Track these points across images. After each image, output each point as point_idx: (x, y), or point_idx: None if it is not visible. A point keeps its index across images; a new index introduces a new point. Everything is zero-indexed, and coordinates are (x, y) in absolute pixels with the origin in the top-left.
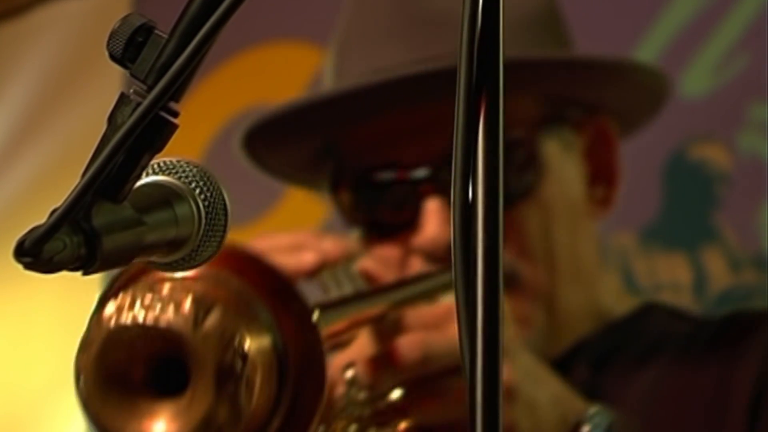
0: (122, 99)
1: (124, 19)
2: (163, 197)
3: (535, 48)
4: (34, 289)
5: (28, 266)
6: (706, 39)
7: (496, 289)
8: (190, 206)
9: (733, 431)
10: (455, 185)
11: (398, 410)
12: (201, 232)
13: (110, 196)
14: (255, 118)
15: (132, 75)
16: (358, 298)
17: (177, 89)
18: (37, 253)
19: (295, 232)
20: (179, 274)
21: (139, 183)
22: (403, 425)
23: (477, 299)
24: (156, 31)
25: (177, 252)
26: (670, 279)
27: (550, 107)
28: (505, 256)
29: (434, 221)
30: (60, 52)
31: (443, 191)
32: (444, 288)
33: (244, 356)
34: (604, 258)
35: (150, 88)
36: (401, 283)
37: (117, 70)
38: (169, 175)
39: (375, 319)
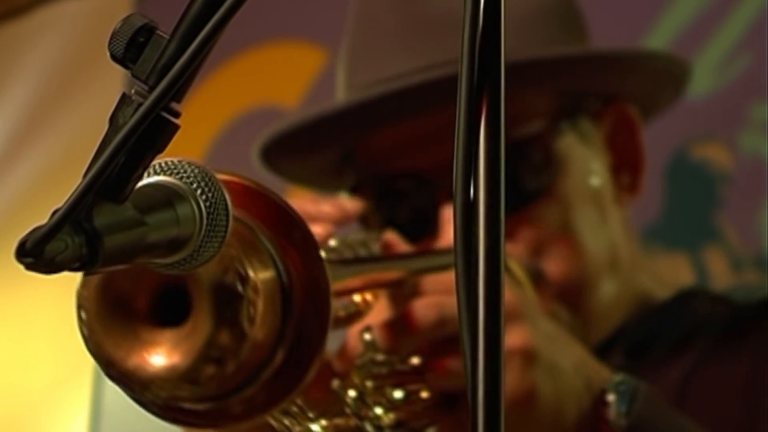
0: (124, 99)
1: (126, 19)
2: (165, 198)
3: (550, 43)
4: (34, 290)
5: (30, 267)
6: (708, 39)
7: (497, 289)
8: (192, 207)
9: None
10: (457, 185)
11: (416, 372)
12: (202, 232)
13: (112, 197)
14: (272, 130)
15: (133, 75)
16: (372, 259)
17: (179, 90)
18: (39, 254)
19: (293, 201)
20: None
21: (140, 183)
22: (425, 393)
23: (478, 300)
24: (157, 32)
25: (179, 252)
26: (672, 279)
27: (566, 101)
28: (525, 258)
29: (452, 228)
30: (61, 53)
31: None
32: None
33: (245, 282)
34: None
35: (151, 89)
36: (418, 254)
37: (118, 70)
38: (170, 175)
39: (392, 285)
